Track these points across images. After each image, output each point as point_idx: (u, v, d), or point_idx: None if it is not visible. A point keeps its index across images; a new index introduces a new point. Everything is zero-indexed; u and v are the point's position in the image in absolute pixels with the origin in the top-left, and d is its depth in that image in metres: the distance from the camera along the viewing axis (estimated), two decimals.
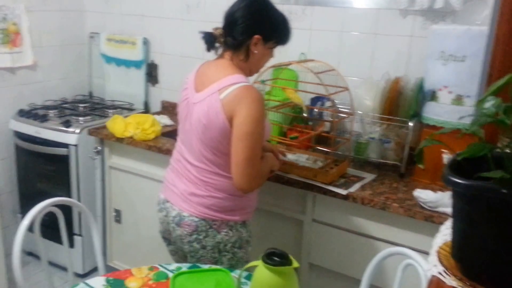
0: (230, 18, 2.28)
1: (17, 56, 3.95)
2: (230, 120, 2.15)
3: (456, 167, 1.30)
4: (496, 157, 1.28)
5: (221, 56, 2.34)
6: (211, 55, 2.38)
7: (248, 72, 2.36)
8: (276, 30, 2.33)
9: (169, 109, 4.09)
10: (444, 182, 1.25)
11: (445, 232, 1.51)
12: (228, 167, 2.22)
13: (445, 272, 1.32)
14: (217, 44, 2.32)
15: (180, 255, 2.56)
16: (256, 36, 2.24)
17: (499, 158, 1.27)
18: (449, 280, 1.28)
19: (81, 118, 3.79)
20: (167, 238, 2.56)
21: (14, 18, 3.88)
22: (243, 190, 2.22)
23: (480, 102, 1.29)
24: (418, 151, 1.48)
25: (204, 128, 2.21)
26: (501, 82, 1.25)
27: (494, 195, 1.15)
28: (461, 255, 1.32)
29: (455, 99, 2.48)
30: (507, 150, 1.32)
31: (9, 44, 3.87)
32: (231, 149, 2.17)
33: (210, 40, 2.30)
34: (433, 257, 1.42)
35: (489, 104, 1.28)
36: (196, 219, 2.31)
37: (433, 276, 1.33)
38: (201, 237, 2.32)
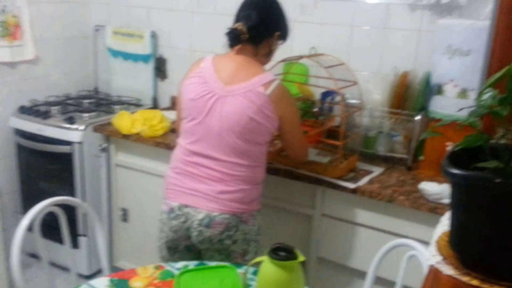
0: (251, 16, 2.51)
1: (17, 50, 4.04)
2: (279, 115, 2.48)
3: (455, 158, 1.44)
4: (493, 148, 1.42)
5: (241, 51, 2.55)
6: (223, 48, 2.58)
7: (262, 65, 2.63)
8: (287, 28, 2.67)
9: None
10: (442, 173, 1.39)
11: (445, 223, 1.65)
12: (258, 156, 2.53)
13: (443, 262, 1.46)
14: (241, 39, 2.53)
15: (187, 259, 2.65)
16: (277, 33, 2.59)
17: (496, 149, 1.42)
18: (446, 269, 1.42)
19: (85, 115, 3.89)
20: (174, 247, 2.66)
21: (14, 10, 3.96)
22: (304, 161, 2.87)
23: (479, 94, 1.45)
24: (418, 143, 1.69)
25: (249, 120, 2.42)
26: (498, 74, 1.38)
27: (489, 185, 1.30)
28: (458, 244, 1.47)
29: (460, 93, 2.68)
30: (502, 141, 1.53)
31: (9, 37, 3.95)
32: (284, 139, 2.69)
33: (236, 36, 2.52)
34: (432, 247, 1.62)
35: (487, 96, 1.44)
36: (228, 216, 2.48)
37: (432, 265, 1.48)
38: (231, 232, 2.50)
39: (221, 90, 2.46)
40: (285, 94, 2.50)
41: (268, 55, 2.64)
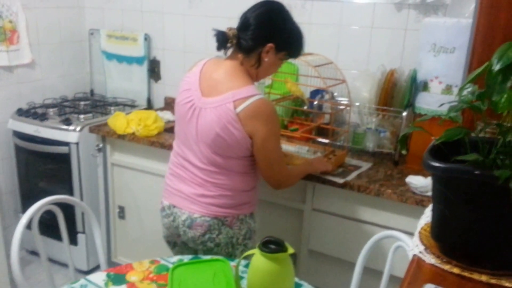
0: (246, 22, 2.36)
1: (14, 54, 4.07)
2: (250, 135, 2.31)
3: (436, 152, 1.48)
4: (473, 142, 1.45)
5: (231, 58, 2.42)
6: (215, 50, 2.45)
7: (255, 78, 2.47)
8: (289, 42, 2.44)
9: (172, 105, 4.07)
10: (423, 166, 1.42)
11: (428, 214, 1.68)
12: (237, 167, 2.43)
13: (425, 251, 1.50)
14: (228, 45, 2.38)
15: (187, 254, 2.67)
16: (269, 45, 2.34)
17: (476, 142, 1.45)
18: (428, 258, 1.46)
19: (81, 116, 3.91)
20: (172, 241, 2.70)
21: (10, 15, 4.00)
22: (275, 188, 2.58)
23: (460, 89, 1.49)
24: (400, 138, 1.71)
25: (216, 135, 2.31)
26: (478, 70, 1.41)
27: (469, 177, 1.33)
28: (439, 234, 1.50)
29: (445, 89, 2.70)
30: (482, 135, 1.56)
31: (6, 42, 3.99)
32: (256, 161, 2.44)
33: (222, 39, 2.36)
34: (416, 238, 1.66)
35: (467, 91, 1.50)
36: (208, 219, 2.44)
37: (415, 255, 1.53)
38: (214, 235, 2.46)
39: (198, 100, 2.38)
40: (260, 112, 2.30)
41: (256, 66, 2.41)
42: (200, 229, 2.46)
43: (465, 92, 1.48)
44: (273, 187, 2.56)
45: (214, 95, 2.34)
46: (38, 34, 4.29)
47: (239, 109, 2.27)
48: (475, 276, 1.38)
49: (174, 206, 2.55)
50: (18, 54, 4.13)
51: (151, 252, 3.41)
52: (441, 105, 1.78)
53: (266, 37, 2.35)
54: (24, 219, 2.37)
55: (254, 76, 2.46)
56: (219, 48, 2.41)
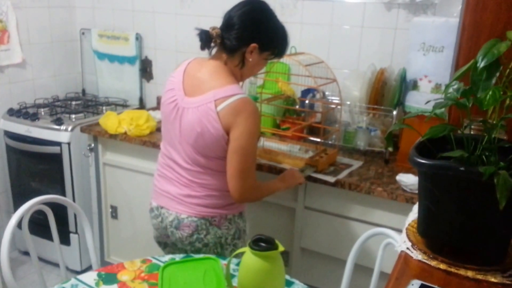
0: (229, 21, 2.34)
1: (4, 54, 4.08)
2: (228, 131, 2.28)
3: (423, 149, 1.51)
4: (459, 139, 1.49)
5: (215, 57, 2.41)
6: (208, 50, 2.44)
7: (240, 78, 2.46)
8: (273, 42, 2.42)
9: None
10: (410, 163, 1.46)
11: (415, 211, 1.71)
12: (221, 167, 2.39)
13: (412, 247, 1.54)
14: (212, 44, 2.38)
15: (178, 254, 2.67)
16: (253, 45, 2.33)
17: (461, 139, 1.49)
18: (415, 254, 1.50)
19: (73, 116, 3.92)
20: (163, 242, 2.70)
21: (0, 15, 4.00)
22: (236, 200, 2.41)
23: (446, 87, 1.53)
24: (387, 135, 1.73)
25: (197, 135, 2.31)
26: (464, 68, 1.45)
27: (454, 173, 1.36)
28: (426, 230, 1.54)
29: (435, 88, 2.74)
30: (467, 131, 1.59)
31: None
32: (226, 159, 2.33)
33: (206, 39, 2.35)
34: (403, 234, 1.70)
35: (453, 88, 1.53)
36: (196, 219, 2.45)
37: (402, 251, 1.56)
38: (202, 235, 2.46)
39: (182, 100, 2.37)
40: (240, 109, 2.27)
41: (240, 66, 2.40)
42: (187, 230, 2.47)
43: (451, 90, 1.51)
44: (236, 198, 2.40)
45: (197, 94, 2.34)
46: (29, 34, 4.29)
47: (219, 107, 2.27)
48: (461, 271, 1.41)
49: (162, 207, 2.56)
50: (8, 54, 4.14)
51: (144, 251, 3.39)
52: (427, 102, 1.80)
53: (250, 37, 2.34)
54: (14, 219, 2.37)
55: (238, 76, 2.45)
56: (202, 47, 2.40)
